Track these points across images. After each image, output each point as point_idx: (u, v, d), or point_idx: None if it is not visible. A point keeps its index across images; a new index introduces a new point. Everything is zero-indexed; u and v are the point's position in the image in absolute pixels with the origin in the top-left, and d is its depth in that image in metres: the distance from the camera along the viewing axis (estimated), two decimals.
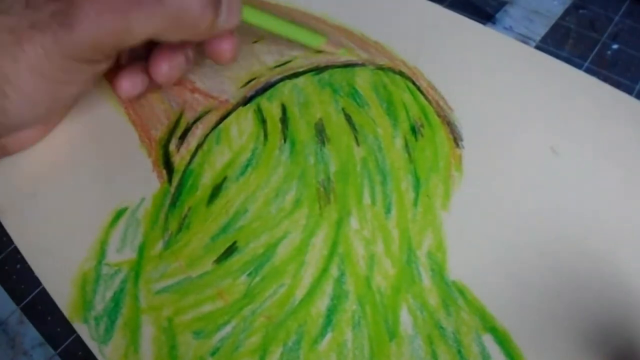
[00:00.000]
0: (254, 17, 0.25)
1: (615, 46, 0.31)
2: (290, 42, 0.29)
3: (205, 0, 0.21)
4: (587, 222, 0.23)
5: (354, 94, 0.27)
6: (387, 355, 0.20)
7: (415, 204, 0.24)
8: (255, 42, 0.30)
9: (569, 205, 0.24)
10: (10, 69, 0.19)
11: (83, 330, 0.21)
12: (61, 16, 0.19)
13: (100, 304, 0.21)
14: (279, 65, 0.29)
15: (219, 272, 0.22)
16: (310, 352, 0.20)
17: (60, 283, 0.22)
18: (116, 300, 0.21)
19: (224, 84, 0.28)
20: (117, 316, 0.21)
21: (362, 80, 0.28)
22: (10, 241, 0.23)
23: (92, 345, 0.20)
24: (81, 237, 0.23)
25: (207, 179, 0.25)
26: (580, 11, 0.33)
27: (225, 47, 0.25)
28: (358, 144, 0.26)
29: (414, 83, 0.28)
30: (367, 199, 0.24)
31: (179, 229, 0.23)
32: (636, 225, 0.23)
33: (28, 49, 0.19)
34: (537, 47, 0.30)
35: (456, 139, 0.26)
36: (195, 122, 0.27)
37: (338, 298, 0.21)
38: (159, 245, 0.23)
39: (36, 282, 0.22)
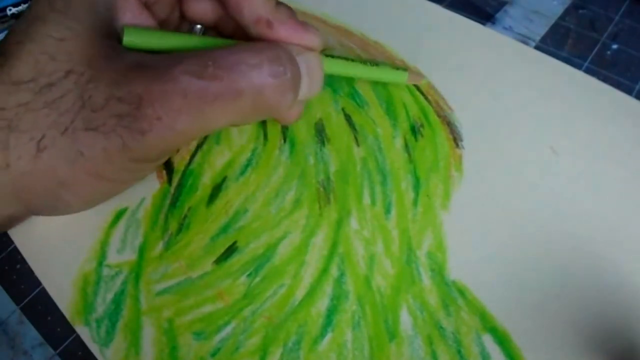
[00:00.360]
0: (333, 67, 0.23)
1: (615, 46, 0.31)
2: None
3: (285, 86, 0.19)
4: (587, 222, 0.23)
5: (353, 94, 0.27)
6: (387, 355, 0.20)
7: (415, 204, 0.24)
8: None
9: (568, 205, 0.24)
10: (67, 173, 0.17)
11: (84, 333, 0.21)
12: (129, 120, 0.16)
13: (101, 306, 0.21)
14: None
15: (219, 273, 0.22)
16: (310, 353, 0.20)
17: (61, 285, 0.22)
18: (117, 302, 0.21)
19: None
20: (118, 318, 0.21)
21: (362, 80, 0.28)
22: (10, 241, 0.23)
23: (93, 348, 0.20)
24: (81, 237, 0.23)
25: (207, 179, 0.25)
26: (580, 11, 0.33)
27: (293, 114, 0.23)
28: (358, 144, 0.26)
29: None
30: (367, 199, 0.24)
31: (179, 230, 0.23)
32: (636, 225, 0.23)
33: (88, 153, 0.17)
34: (537, 47, 0.30)
35: (456, 139, 0.26)
36: None
37: (338, 298, 0.21)
38: (159, 245, 0.23)
39: (36, 282, 0.22)
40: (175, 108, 0.17)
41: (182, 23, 0.23)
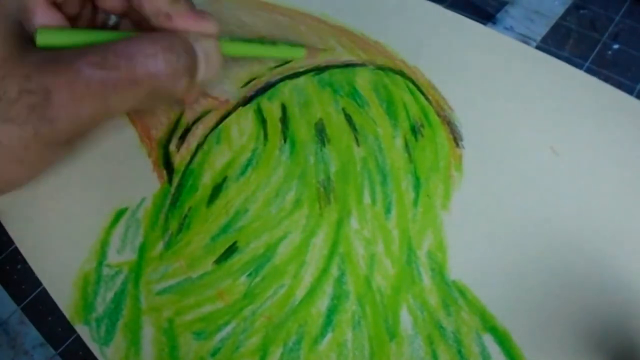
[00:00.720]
0: (233, 49, 0.25)
1: (615, 46, 0.31)
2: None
3: (179, 72, 0.21)
4: (587, 222, 0.23)
5: (354, 94, 0.27)
6: (387, 355, 0.20)
7: (415, 203, 0.24)
8: None
9: (568, 205, 0.24)
10: None
11: (84, 332, 0.21)
12: (40, 109, 0.18)
13: (101, 305, 0.21)
14: (279, 66, 0.29)
15: (219, 273, 0.22)
16: (310, 352, 0.20)
17: (61, 284, 0.22)
18: (117, 302, 0.21)
19: (224, 84, 0.28)
20: (118, 317, 0.21)
21: (363, 80, 0.28)
22: (10, 241, 0.23)
23: (93, 347, 0.20)
24: (82, 237, 0.23)
25: (207, 179, 0.25)
26: (581, 11, 0.33)
27: (191, 96, 0.26)
28: (358, 144, 0.26)
29: (414, 83, 0.28)
30: (367, 199, 0.24)
31: (179, 229, 0.23)
32: (636, 225, 0.23)
33: (6, 142, 0.19)
34: (538, 47, 0.30)
35: (456, 139, 0.26)
36: (195, 122, 0.27)
37: (338, 298, 0.21)
38: (160, 245, 0.23)
39: (37, 282, 0.22)
40: (79, 97, 0.19)
41: (96, 14, 0.24)
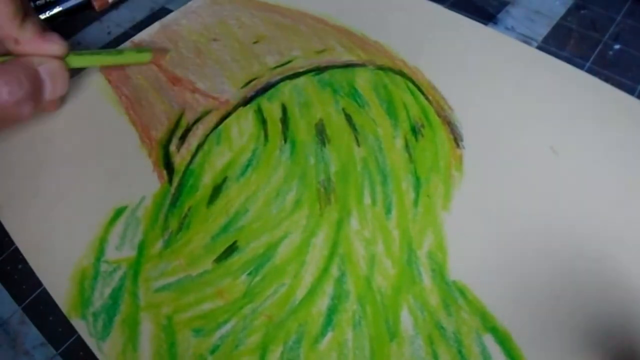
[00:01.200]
0: (80, 62, 0.26)
1: (617, 46, 0.31)
2: (290, 43, 0.30)
3: (22, 99, 0.23)
4: (587, 222, 0.23)
5: (354, 94, 0.27)
6: (387, 355, 0.20)
7: (415, 204, 0.24)
8: (256, 42, 0.30)
9: (569, 205, 0.24)
10: None
11: (81, 327, 0.21)
12: None
13: (98, 300, 0.21)
14: (279, 66, 0.29)
15: (219, 271, 0.22)
16: (310, 352, 0.20)
17: (58, 279, 0.22)
18: (114, 297, 0.21)
19: (224, 84, 0.28)
20: (115, 313, 0.21)
21: (363, 80, 0.28)
22: (11, 242, 0.23)
23: (90, 342, 0.20)
24: (80, 234, 0.23)
25: (207, 179, 0.25)
26: (582, 11, 0.33)
27: (48, 109, 0.27)
28: (358, 144, 0.26)
29: (414, 83, 0.28)
30: (367, 199, 0.24)
31: (179, 229, 0.23)
32: (636, 226, 0.23)
33: None
34: (539, 47, 0.30)
35: (456, 139, 0.26)
36: (195, 122, 0.27)
37: (338, 298, 0.21)
38: (159, 244, 0.23)
39: (37, 282, 0.22)
40: None
41: None
